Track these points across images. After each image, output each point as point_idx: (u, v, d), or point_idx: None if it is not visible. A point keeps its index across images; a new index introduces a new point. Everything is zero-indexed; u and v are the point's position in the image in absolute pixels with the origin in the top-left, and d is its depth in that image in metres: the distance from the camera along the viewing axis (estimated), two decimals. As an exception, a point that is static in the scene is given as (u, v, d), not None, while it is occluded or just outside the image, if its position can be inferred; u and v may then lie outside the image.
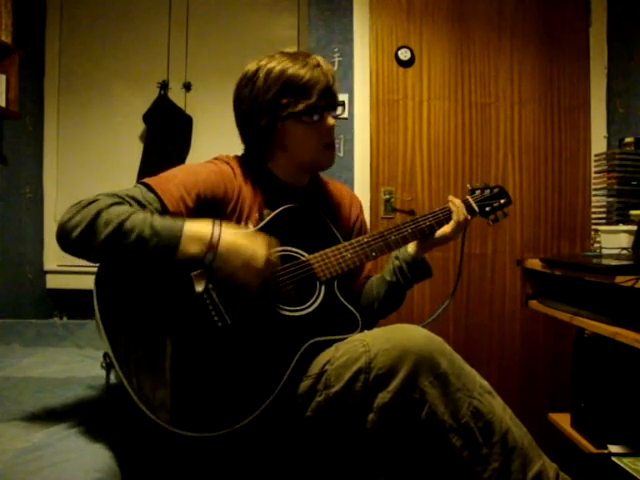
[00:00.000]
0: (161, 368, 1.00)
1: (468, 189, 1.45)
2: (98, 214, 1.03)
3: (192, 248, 1.04)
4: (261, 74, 1.23)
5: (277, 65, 1.23)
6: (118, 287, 1.05)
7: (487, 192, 1.42)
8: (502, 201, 1.41)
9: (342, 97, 2.48)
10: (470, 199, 1.40)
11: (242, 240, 1.08)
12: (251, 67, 1.27)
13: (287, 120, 1.23)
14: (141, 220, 1.04)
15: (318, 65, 1.24)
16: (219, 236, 1.06)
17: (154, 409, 0.96)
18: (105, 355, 1.05)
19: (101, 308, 1.01)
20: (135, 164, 2.68)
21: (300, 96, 1.22)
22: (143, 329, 1.02)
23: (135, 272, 1.06)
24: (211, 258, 1.05)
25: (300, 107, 1.21)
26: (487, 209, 1.40)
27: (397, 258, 1.38)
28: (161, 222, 1.05)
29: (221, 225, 1.08)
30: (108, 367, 1.05)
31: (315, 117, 1.23)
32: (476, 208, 1.38)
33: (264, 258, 1.08)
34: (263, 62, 1.25)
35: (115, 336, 0.99)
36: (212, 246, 1.05)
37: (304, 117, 1.23)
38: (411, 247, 1.36)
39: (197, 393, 1.02)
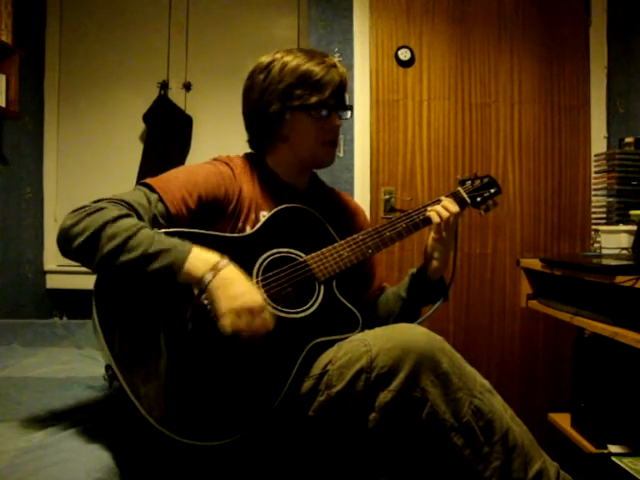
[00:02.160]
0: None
1: (458, 180, 1.45)
2: (104, 226, 1.01)
3: (195, 269, 1.01)
4: (277, 65, 1.25)
5: (293, 60, 1.24)
6: (117, 296, 1.03)
7: (477, 182, 1.42)
8: (492, 190, 1.41)
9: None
10: (461, 190, 1.40)
11: (245, 278, 1.05)
12: (265, 59, 1.28)
13: (296, 111, 1.24)
14: (148, 238, 1.02)
15: (335, 65, 1.26)
16: (226, 265, 1.03)
17: (162, 420, 0.96)
18: (107, 367, 1.04)
19: (100, 318, 1.00)
20: (135, 164, 2.68)
21: (314, 90, 1.23)
22: (144, 338, 1.01)
23: (135, 281, 1.04)
24: (210, 278, 1.01)
25: (313, 100, 1.23)
26: (478, 199, 1.40)
27: (413, 275, 1.36)
28: (169, 241, 1.03)
29: (230, 260, 1.05)
30: (111, 379, 1.05)
31: (324, 112, 1.24)
32: (467, 199, 1.38)
33: (260, 302, 1.03)
34: (279, 55, 1.27)
35: (115, 346, 0.98)
36: (216, 269, 1.01)
37: (313, 111, 1.24)
38: (428, 265, 1.34)
39: (202, 401, 1.01)
